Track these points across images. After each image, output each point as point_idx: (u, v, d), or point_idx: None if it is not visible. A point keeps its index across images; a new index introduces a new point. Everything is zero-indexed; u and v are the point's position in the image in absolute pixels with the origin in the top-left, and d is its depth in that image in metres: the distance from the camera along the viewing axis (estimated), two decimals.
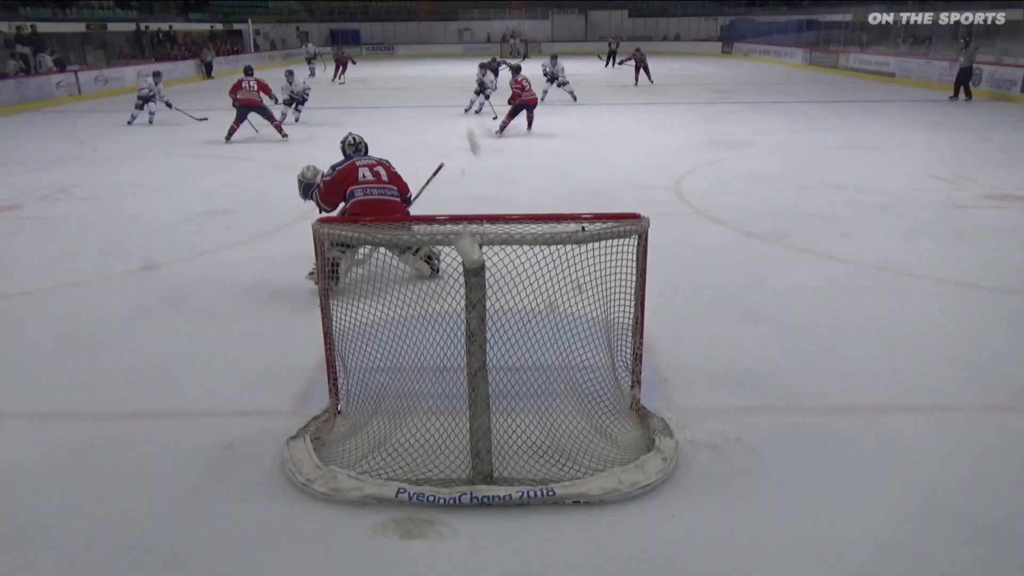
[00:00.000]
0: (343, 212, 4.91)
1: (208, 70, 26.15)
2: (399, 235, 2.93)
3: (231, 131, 11.55)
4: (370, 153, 5.22)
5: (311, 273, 4.82)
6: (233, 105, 11.59)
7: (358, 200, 4.78)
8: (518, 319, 3.09)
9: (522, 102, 11.64)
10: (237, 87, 11.54)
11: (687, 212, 7.15)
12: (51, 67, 19.09)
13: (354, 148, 5.12)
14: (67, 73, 19.08)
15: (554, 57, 16.50)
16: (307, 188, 5.21)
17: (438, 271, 4.80)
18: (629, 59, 20.96)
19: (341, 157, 5.13)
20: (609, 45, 27.97)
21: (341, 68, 23.96)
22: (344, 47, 30.07)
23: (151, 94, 13.47)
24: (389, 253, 3.90)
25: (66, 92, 18.54)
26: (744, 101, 16.77)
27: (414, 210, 5.07)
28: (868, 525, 2.67)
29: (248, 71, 12.10)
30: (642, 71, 20.54)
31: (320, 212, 4.91)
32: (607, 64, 26.41)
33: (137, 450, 3.21)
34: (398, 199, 4.93)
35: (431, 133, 12.32)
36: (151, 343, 4.32)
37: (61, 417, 3.54)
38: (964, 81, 15.90)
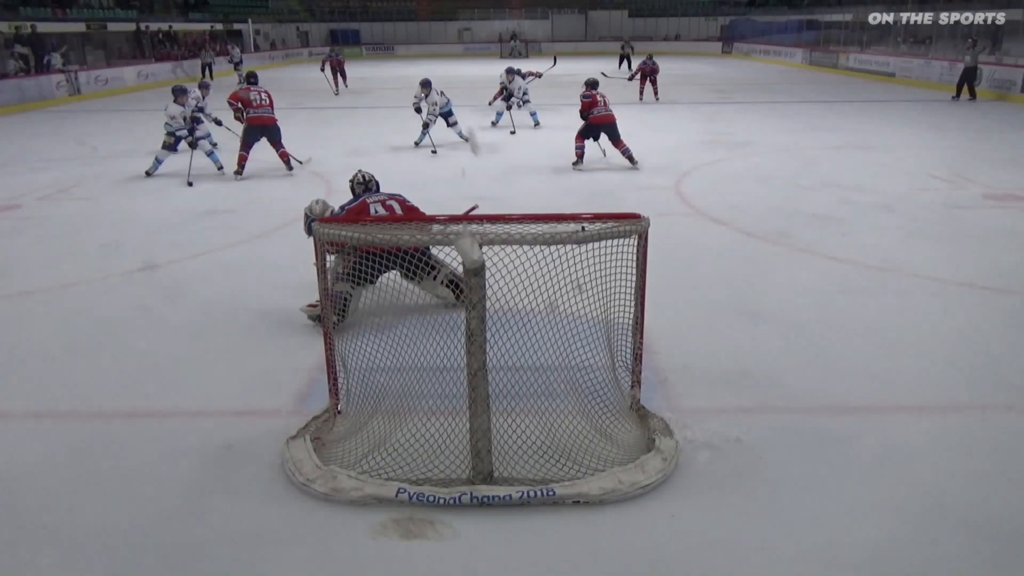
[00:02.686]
0: (355, 251, 4.21)
1: (208, 71, 26.15)
2: (400, 235, 2.91)
3: (242, 161, 8.88)
4: (382, 188, 4.86)
5: (311, 305, 4.44)
6: (239, 119, 9.03)
7: None
8: (518, 319, 3.09)
9: (592, 121, 9.09)
10: (243, 97, 8.86)
11: (687, 212, 7.15)
12: (56, 65, 19.05)
13: (364, 187, 4.76)
14: (67, 73, 19.06)
15: (510, 71, 12.83)
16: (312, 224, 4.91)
17: None
18: (638, 70, 17.08)
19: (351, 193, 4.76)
20: (622, 48, 25.65)
21: (335, 74, 20.21)
22: (335, 47, 24.35)
23: (200, 108, 9.69)
24: (405, 282, 3.79)
25: (66, 92, 18.53)
26: (744, 101, 16.77)
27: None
28: (867, 524, 2.68)
29: (253, 79, 9.52)
30: (648, 84, 16.92)
31: None
32: (620, 66, 24.14)
33: (137, 450, 3.21)
34: None
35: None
36: (151, 343, 4.32)
37: (61, 417, 3.54)
38: (969, 81, 15.90)
